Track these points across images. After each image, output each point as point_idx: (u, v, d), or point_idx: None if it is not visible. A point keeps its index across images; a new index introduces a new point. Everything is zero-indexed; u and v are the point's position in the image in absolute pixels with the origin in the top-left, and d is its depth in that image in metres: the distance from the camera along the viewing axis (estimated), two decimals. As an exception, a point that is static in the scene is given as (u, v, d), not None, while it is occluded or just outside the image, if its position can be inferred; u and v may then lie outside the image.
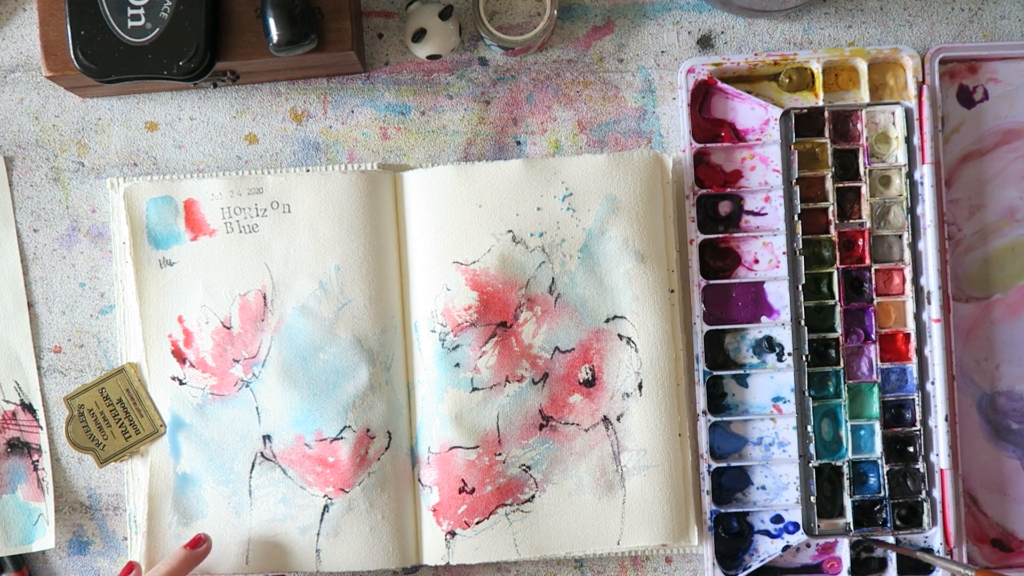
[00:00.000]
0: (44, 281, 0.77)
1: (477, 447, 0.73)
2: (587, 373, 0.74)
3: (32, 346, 0.76)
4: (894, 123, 0.75)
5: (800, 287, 0.74)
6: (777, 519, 0.75)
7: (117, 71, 0.69)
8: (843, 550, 0.75)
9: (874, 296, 0.74)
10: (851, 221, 0.75)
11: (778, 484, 0.75)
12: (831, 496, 0.74)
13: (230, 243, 0.74)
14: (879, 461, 0.74)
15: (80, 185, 0.77)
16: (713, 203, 0.76)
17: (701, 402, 0.74)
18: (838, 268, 0.74)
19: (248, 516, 0.74)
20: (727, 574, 0.74)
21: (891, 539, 0.74)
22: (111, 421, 0.74)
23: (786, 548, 0.75)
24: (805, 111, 0.74)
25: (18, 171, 0.77)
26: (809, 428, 0.74)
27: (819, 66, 0.74)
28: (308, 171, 0.75)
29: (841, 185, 0.74)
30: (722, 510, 0.74)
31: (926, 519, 0.73)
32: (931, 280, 0.74)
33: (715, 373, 0.75)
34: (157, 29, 0.68)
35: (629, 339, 0.73)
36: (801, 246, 0.74)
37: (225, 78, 0.73)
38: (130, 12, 0.68)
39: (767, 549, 0.75)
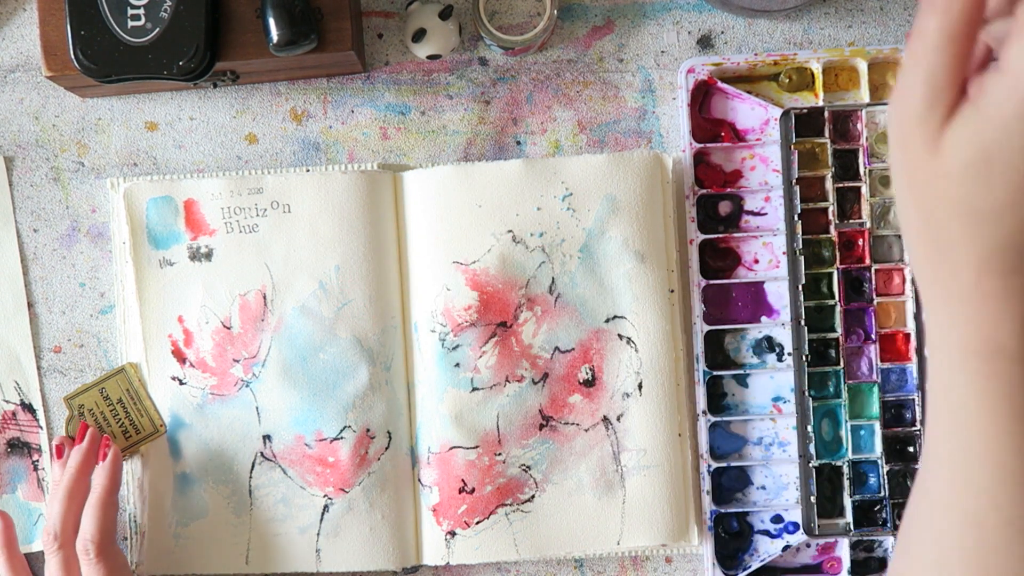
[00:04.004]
0: (44, 281, 0.77)
1: (477, 447, 0.73)
2: (587, 373, 0.74)
3: (32, 346, 0.76)
4: (894, 123, 0.75)
5: (800, 287, 0.74)
6: (777, 519, 0.75)
7: (117, 71, 0.69)
8: (843, 550, 0.75)
9: (874, 296, 0.74)
10: (851, 221, 0.75)
11: (778, 484, 0.75)
12: (831, 496, 0.74)
13: (230, 243, 0.74)
14: (879, 461, 0.74)
15: (80, 185, 0.77)
16: (713, 203, 0.76)
17: (701, 402, 0.74)
18: (838, 268, 0.74)
19: (248, 516, 0.74)
20: (727, 574, 0.74)
21: (889, 539, 0.74)
22: (111, 421, 0.74)
23: (786, 548, 0.75)
24: (805, 111, 0.74)
25: (18, 171, 0.77)
26: (809, 428, 0.74)
27: (819, 66, 0.74)
28: (308, 171, 0.75)
29: (841, 185, 0.74)
30: (722, 510, 0.74)
31: (926, 519, 0.73)
32: (931, 280, 0.74)
33: (715, 373, 0.75)
34: (157, 29, 0.68)
35: (629, 339, 0.73)
36: (801, 246, 0.74)
37: (225, 78, 0.73)
38: (130, 12, 0.68)
39: (767, 549, 0.75)
